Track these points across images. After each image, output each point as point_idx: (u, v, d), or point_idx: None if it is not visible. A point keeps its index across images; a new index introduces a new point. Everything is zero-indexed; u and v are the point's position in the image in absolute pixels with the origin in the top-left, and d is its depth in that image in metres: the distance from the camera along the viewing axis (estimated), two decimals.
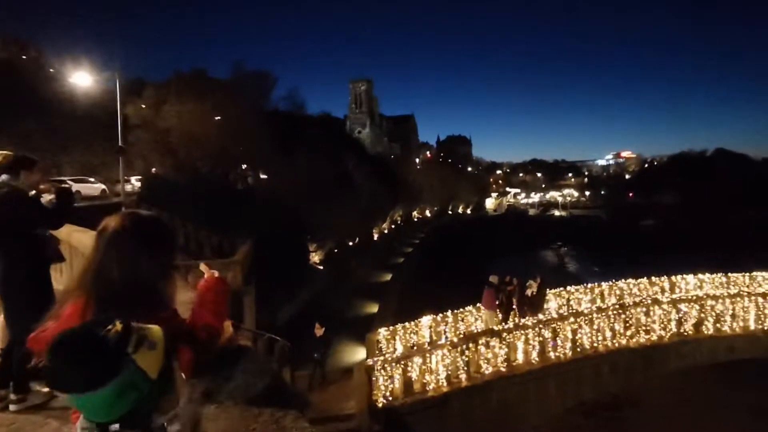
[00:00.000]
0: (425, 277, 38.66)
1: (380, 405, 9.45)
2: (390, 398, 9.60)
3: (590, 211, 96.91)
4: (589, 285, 15.75)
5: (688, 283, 16.25)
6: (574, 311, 13.01)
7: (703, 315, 12.86)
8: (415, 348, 11.63)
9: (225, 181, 33.58)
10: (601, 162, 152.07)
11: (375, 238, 52.88)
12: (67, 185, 4.18)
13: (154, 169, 31.56)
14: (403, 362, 9.94)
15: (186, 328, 1.48)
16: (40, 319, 1.48)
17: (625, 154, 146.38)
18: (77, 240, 6.09)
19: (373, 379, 9.53)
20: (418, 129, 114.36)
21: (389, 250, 50.50)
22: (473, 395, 10.27)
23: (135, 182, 28.76)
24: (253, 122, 33.42)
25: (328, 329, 12.68)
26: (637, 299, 14.27)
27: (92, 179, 24.78)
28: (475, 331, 12.29)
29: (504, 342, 10.76)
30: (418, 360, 10.07)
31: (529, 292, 12.36)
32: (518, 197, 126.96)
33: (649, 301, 13.14)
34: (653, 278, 16.15)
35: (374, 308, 28.49)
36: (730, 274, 16.58)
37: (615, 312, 12.23)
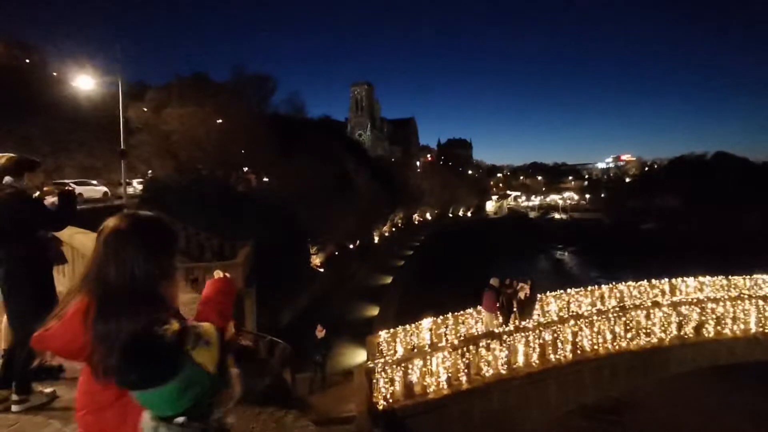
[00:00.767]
0: (426, 279, 38.63)
1: (380, 407, 9.43)
2: (390, 401, 9.59)
3: (590, 215, 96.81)
4: (590, 287, 15.72)
5: (689, 285, 16.22)
6: (575, 314, 12.99)
7: (703, 318, 12.84)
8: (415, 350, 11.61)
9: (226, 184, 33.61)
10: (602, 165, 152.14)
11: (376, 241, 52.86)
12: (69, 188, 4.19)
13: (150, 172, 31.56)
14: (403, 365, 9.92)
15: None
16: (43, 320, 1.50)
17: (625, 157, 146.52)
18: (79, 242, 6.11)
19: (374, 381, 9.52)
20: (419, 132, 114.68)
21: (390, 253, 50.49)
22: (474, 398, 10.24)
23: (137, 185, 28.85)
24: (254, 125, 33.54)
25: (328, 331, 12.68)
26: (638, 302, 14.25)
27: (94, 182, 24.86)
28: (476, 333, 12.28)
29: (504, 344, 10.75)
30: (418, 362, 10.06)
31: (522, 294, 12.34)
32: (519, 200, 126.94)
33: (650, 304, 13.12)
34: (654, 281, 16.14)
35: (375, 311, 28.47)
36: (730, 277, 16.56)
37: (615, 314, 12.21)
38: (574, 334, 11.52)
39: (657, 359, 12.37)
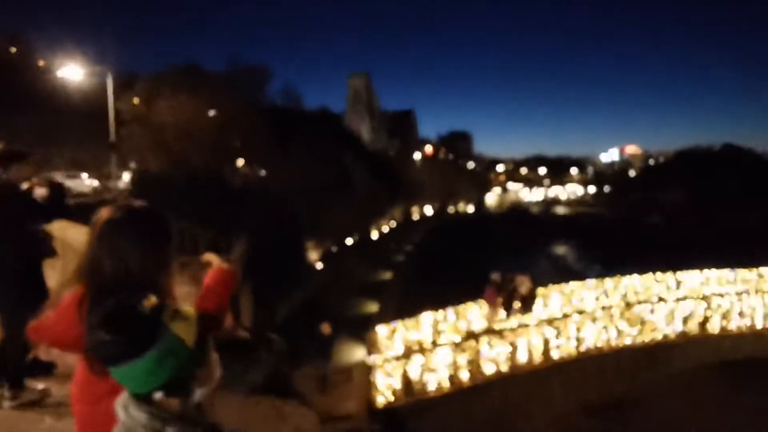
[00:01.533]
0: (426, 275, 38.54)
1: (380, 404, 9.32)
2: (390, 398, 9.47)
3: (594, 208, 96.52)
4: (593, 282, 15.54)
5: (694, 280, 16.03)
6: (578, 309, 12.83)
7: (709, 313, 12.66)
8: (415, 347, 11.47)
9: (220, 177, 33.38)
10: (605, 157, 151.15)
11: (374, 236, 52.77)
12: (58, 180, 4.20)
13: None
14: (403, 361, 9.80)
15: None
16: (34, 314, 1.52)
17: (629, 149, 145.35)
18: (70, 236, 6.04)
19: (373, 378, 9.40)
20: (418, 124, 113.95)
21: (389, 248, 50.42)
22: (474, 395, 10.12)
23: (126, 178, 28.60)
24: (249, 117, 33.13)
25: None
26: (642, 297, 14.08)
27: (84, 175, 24.64)
28: (477, 329, 12.13)
29: (506, 340, 10.60)
30: (418, 359, 9.93)
31: (524, 288, 12.15)
32: (520, 194, 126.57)
33: (655, 299, 12.96)
34: (658, 275, 15.93)
35: (374, 307, 28.42)
36: (737, 271, 16.33)
37: (619, 310, 12.05)
38: (577, 330, 11.36)
39: (661, 355, 12.24)
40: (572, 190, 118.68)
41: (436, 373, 9.92)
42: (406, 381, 9.74)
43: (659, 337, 12.13)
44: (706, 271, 16.14)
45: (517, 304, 12.13)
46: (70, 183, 19.65)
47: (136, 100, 31.49)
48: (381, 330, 12.21)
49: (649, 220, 72.41)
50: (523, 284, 12.26)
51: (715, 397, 13.72)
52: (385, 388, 9.45)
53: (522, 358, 10.77)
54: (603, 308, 12.26)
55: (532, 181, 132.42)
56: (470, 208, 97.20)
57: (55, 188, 3.70)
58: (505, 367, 10.49)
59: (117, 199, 17.58)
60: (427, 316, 12.57)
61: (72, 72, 21.84)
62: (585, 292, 15.03)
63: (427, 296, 20.57)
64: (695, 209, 64.37)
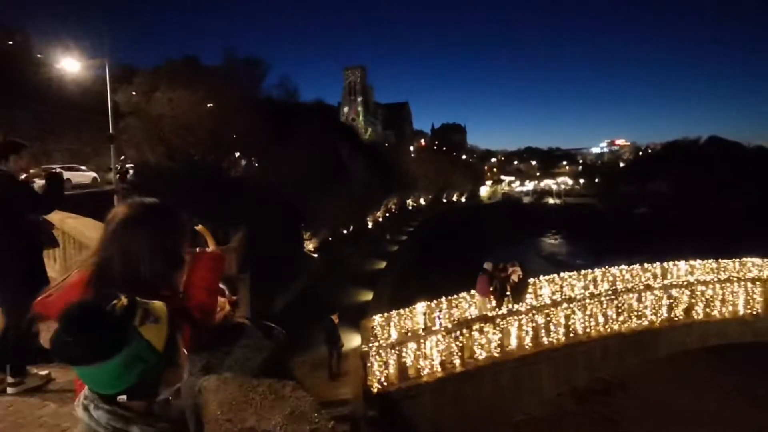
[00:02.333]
0: (420, 264, 38.83)
1: (375, 390, 9.52)
2: (385, 384, 9.68)
3: (584, 199, 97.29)
4: (583, 271, 15.85)
5: (680, 269, 16.42)
6: (567, 297, 13.11)
7: (693, 300, 13.02)
8: (409, 334, 11.69)
9: (218, 169, 33.23)
10: (596, 150, 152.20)
11: (369, 226, 52.88)
12: (57, 171, 4.14)
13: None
14: (397, 348, 10.00)
15: (182, 306, 1.45)
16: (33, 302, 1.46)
17: (619, 141, 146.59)
18: (70, 226, 6.09)
19: (368, 364, 9.59)
20: (413, 117, 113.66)
21: (384, 238, 50.58)
22: (467, 381, 10.37)
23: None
24: (246, 109, 33.02)
25: (324, 317, 12.71)
26: (630, 285, 14.41)
27: (83, 167, 24.47)
28: (469, 317, 12.37)
29: (497, 328, 10.84)
30: (412, 346, 10.14)
31: (515, 277, 12.40)
32: (513, 185, 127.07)
33: (641, 287, 13.26)
34: (645, 265, 16.29)
35: (369, 296, 28.58)
36: (720, 260, 16.76)
37: (607, 298, 12.34)
38: (567, 317, 11.64)
39: (647, 341, 12.56)
40: (563, 182, 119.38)
41: (429, 360, 10.15)
42: (401, 367, 9.95)
43: (646, 323, 12.46)
44: (691, 260, 16.56)
45: (508, 292, 12.41)
46: (69, 175, 19.45)
47: (134, 93, 31.17)
48: (376, 318, 12.43)
49: (637, 211, 73.31)
50: (515, 273, 12.51)
51: (696, 380, 14.20)
52: (380, 374, 9.64)
53: (513, 344, 11.05)
54: (592, 296, 12.53)
55: (524, 173, 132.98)
56: (464, 199, 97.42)
57: (53, 178, 3.68)
58: (496, 354, 10.74)
59: (117, 192, 17.47)
60: (420, 304, 12.80)
61: (70, 65, 21.44)
62: (574, 281, 15.36)
63: (421, 285, 20.82)
64: (682, 200, 65.25)
